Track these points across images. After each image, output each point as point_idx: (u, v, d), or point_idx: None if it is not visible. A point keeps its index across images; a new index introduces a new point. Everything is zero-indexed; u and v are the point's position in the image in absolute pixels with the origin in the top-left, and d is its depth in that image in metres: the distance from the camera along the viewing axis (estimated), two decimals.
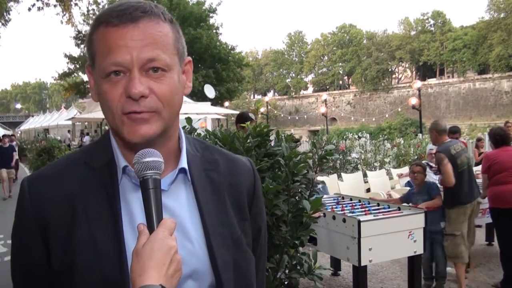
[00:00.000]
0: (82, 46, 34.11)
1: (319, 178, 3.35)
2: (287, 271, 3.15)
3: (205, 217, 1.21)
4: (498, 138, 6.32)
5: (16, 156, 17.67)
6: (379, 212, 5.68)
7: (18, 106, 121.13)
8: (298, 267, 3.18)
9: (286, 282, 3.19)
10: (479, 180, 6.90)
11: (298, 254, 3.22)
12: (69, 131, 38.40)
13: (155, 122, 1.13)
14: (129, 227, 1.14)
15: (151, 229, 1.05)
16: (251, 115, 3.58)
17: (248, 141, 3.16)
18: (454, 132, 8.79)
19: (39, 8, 17.07)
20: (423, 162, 10.56)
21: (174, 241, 1.04)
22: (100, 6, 32.46)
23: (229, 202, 1.28)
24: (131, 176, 1.18)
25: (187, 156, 1.25)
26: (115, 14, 1.10)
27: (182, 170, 1.22)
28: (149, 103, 1.11)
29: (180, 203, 1.20)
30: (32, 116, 68.08)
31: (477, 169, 11.01)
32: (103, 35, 1.11)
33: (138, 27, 1.10)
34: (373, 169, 14.08)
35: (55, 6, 17.45)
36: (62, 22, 18.21)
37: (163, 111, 1.13)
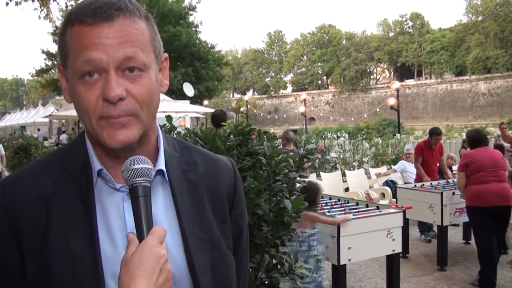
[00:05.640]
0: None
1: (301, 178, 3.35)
2: (267, 270, 3.15)
3: (183, 219, 1.18)
4: (472, 140, 6.54)
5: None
6: (358, 211, 5.72)
7: None
8: (279, 267, 3.18)
9: (266, 282, 3.18)
10: (456, 179, 7.03)
11: (279, 254, 3.22)
12: (38, 129, 37.86)
13: (134, 126, 1.09)
14: (104, 232, 1.11)
15: (140, 237, 1.02)
16: (232, 113, 3.56)
17: (230, 139, 3.15)
18: (438, 133, 8.93)
19: (17, 3, 16.79)
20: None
21: (164, 249, 1.02)
22: (79, 1, 32.12)
23: (208, 204, 1.25)
24: (107, 180, 1.15)
25: (165, 157, 1.22)
26: (88, 12, 1.06)
27: (160, 172, 1.19)
28: (126, 106, 1.07)
29: (157, 205, 1.16)
30: (9, 113, 67.00)
31: None
32: (76, 35, 1.07)
33: (113, 26, 1.05)
34: (351, 168, 14.19)
35: (33, 0, 17.18)
36: (40, 18, 17.90)
37: (141, 114, 1.10)
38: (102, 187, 1.15)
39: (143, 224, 1.04)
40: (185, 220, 1.18)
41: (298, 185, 3.39)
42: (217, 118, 6.48)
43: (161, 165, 1.20)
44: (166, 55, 1.23)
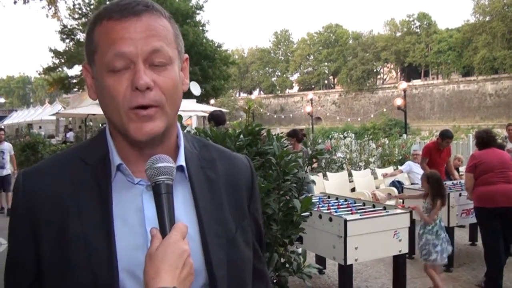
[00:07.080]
0: (67, 40, 33.76)
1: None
2: (276, 269, 3.17)
3: (202, 214, 1.21)
4: (480, 141, 6.47)
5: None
6: (365, 212, 5.73)
7: (2, 100, 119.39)
8: (287, 266, 3.20)
9: (275, 280, 3.20)
10: (463, 180, 7.04)
11: (287, 253, 3.24)
12: (39, 127, 38.02)
13: (159, 119, 1.13)
14: (120, 225, 1.14)
15: (163, 233, 1.06)
16: (242, 113, 3.59)
17: (240, 139, 3.17)
18: (450, 137, 8.89)
19: (24, 1, 16.85)
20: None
21: (186, 245, 1.06)
22: (86, 0, 32.17)
23: (226, 200, 1.28)
24: (126, 174, 1.18)
25: (184, 154, 1.26)
26: (117, 9, 1.12)
27: (180, 168, 1.23)
28: (154, 96, 1.11)
29: (176, 200, 1.18)
30: (16, 110, 67.16)
31: None
32: (105, 29, 1.12)
33: (141, 20, 1.11)
34: (358, 168, 14.16)
35: None
36: (47, 16, 17.98)
37: (166, 105, 1.14)
38: (121, 181, 1.19)
39: (165, 220, 1.08)
40: (204, 215, 1.22)
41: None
42: (216, 118, 6.50)
43: (182, 161, 1.24)
44: (186, 55, 1.28)
